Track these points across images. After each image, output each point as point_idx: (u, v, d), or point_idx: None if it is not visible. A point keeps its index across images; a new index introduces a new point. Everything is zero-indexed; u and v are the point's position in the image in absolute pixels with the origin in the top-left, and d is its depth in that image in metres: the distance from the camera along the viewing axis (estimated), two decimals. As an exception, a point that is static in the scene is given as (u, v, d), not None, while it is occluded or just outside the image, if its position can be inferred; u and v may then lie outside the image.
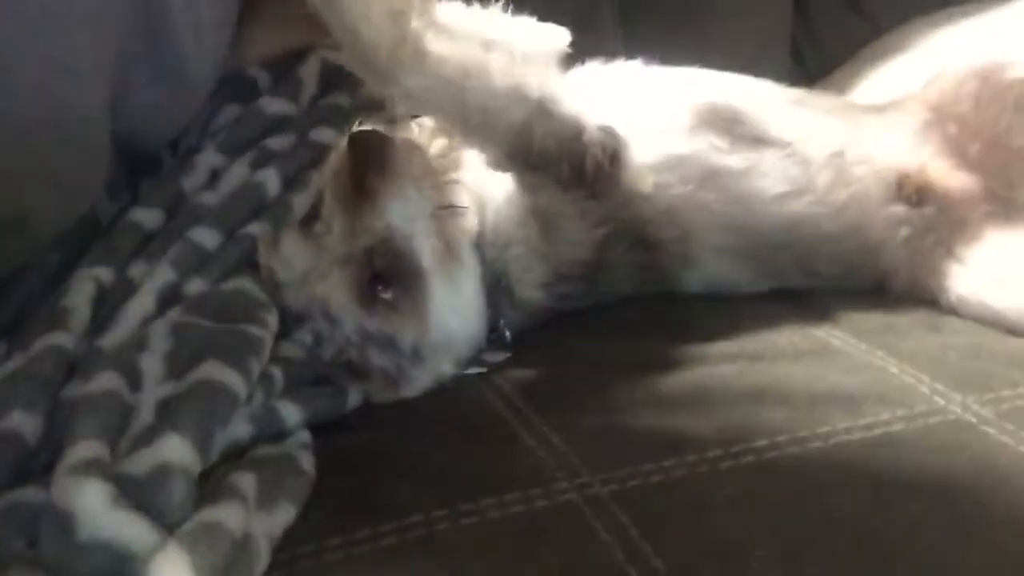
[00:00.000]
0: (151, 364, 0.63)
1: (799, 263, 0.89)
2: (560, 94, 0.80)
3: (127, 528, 0.50)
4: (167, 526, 0.52)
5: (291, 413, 0.68)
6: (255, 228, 0.78)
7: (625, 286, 0.86)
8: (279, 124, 0.88)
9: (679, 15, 1.28)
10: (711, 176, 0.86)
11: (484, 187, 0.82)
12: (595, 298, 0.86)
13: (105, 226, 0.82)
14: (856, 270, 0.89)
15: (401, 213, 0.73)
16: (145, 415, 0.59)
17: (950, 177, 0.89)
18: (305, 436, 0.67)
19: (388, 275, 0.72)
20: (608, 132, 0.81)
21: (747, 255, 0.88)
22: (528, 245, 0.81)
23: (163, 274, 0.72)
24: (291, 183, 0.83)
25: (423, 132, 0.82)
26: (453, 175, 0.79)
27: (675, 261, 0.87)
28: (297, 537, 0.58)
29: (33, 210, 0.70)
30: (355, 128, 0.74)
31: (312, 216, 0.76)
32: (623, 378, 0.73)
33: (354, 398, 0.73)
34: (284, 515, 0.58)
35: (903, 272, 0.88)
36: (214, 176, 0.83)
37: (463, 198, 0.78)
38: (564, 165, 0.80)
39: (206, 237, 0.76)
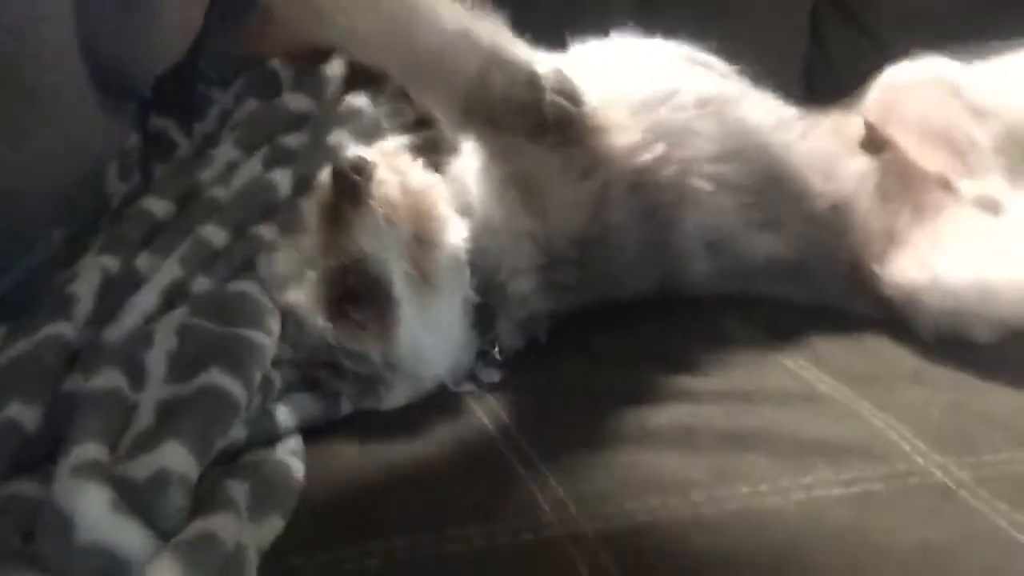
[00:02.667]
0: (155, 362, 0.64)
1: (795, 199, 0.89)
2: (511, 41, 0.80)
3: (125, 533, 0.52)
4: (163, 532, 0.53)
5: (285, 417, 0.69)
6: (263, 229, 0.79)
7: (624, 256, 0.85)
8: (298, 122, 0.89)
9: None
10: (706, 102, 0.87)
11: (468, 190, 0.83)
12: (594, 289, 0.85)
13: (115, 207, 0.83)
14: (843, 217, 0.90)
15: (372, 243, 0.74)
16: (146, 415, 0.60)
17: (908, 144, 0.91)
18: (297, 443, 0.69)
19: (359, 295, 0.74)
20: (559, 72, 0.81)
21: (744, 188, 0.87)
22: (514, 223, 0.81)
23: (170, 270, 0.73)
24: (303, 185, 0.83)
25: (404, 159, 0.82)
26: (433, 203, 0.79)
27: (672, 199, 0.85)
28: (284, 549, 0.59)
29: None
30: (342, 155, 0.75)
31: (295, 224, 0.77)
32: (611, 410, 0.74)
33: (347, 406, 0.74)
34: (273, 526, 0.60)
35: (876, 241, 0.89)
36: (229, 171, 0.83)
37: (448, 219, 0.79)
38: (523, 112, 0.79)
39: (214, 235, 0.77)
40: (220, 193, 0.81)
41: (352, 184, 0.74)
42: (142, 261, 0.74)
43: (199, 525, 0.54)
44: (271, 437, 0.68)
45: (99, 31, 0.70)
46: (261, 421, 0.67)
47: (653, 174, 0.84)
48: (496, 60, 0.78)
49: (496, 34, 0.79)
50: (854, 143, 0.93)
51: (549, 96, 0.79)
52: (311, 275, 0.73)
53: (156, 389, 0.62)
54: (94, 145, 0.77)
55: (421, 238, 0.77)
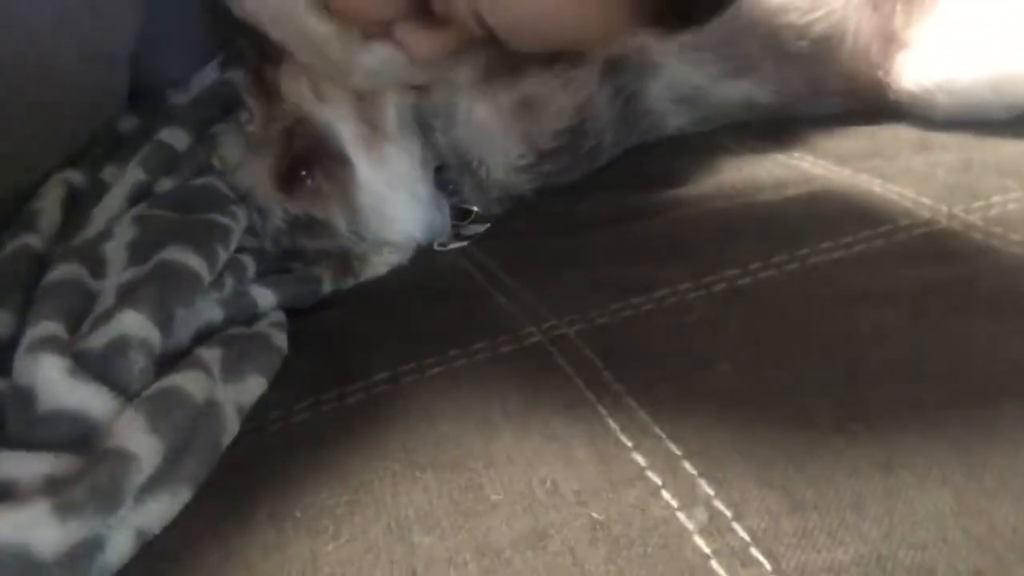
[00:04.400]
0: (114, 252, 0.64)
1: (766, 45, 0.84)
2: None
3: (86, 396, 0.51)
4: (128, 395, 0.53)
5: (264, 297, 0.68)
6: (222, 128, 0.78)
7: (603, 136, 0.83)
8: None
9: None
10: None
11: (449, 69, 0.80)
12: (580, 168, 0.83)
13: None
14: (830, 46, 0.84)
15: (313, 106, 0.72)
16: (107, 299, 0.60)
17: None
18: (279, 316, 0.68)
19: (309, 158, 0.72)
20: None
21: (709, 48, 0.83)
22: (501, 133, 0.79)
23: (133, 174, 0.73)
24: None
25: None
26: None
27: (641, 74, 0.83)
28: (268, 405, 0.58)
29: None
30: None
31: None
32: (595, 233, 0.71)
33: (327, 285, 0.73)
34: (255, 386, 0.59)
35: (874, 48, 0.84)
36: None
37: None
38: None
39: (176, 138, 0.76)
40: (180, 99, 0.80)
41: (271, 47, 0.72)
42: (107, 172, 0.74)
43: (163, 382, 0.53)
44: (249, 316, 0.67)
45: None
46: (237, 301, 0.67)
47: (617, 55, 0.81)
48: None
49: None
50: None
51: None
52: (255, 153, 0.72)
53: (116, 276, 0.62)
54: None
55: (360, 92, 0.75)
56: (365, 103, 0.74)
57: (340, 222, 0.73)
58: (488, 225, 0.78)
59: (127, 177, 0.72)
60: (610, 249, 0.68)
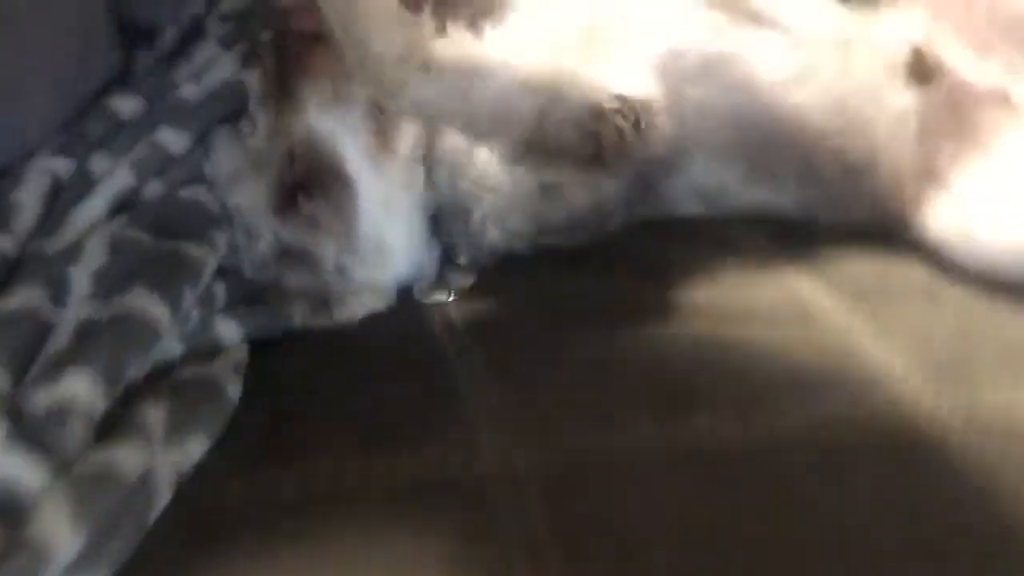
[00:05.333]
0: (79, 278, 0.62)
1: (798, 162, 0.81)
2: (572, 69, 0.72)
3: (18, 466, 0.51)
4: (63, 464, 0.52)
5: (229, 330, 0.68)
6: (221, 134, 0.75)
7: (612, 216, 0.81)
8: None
9: None
10: (711, 64, 0.79)
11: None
12: (580, 238, 0.80)
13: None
14: (859, 176, 0.80)
15: (322, 118, 0.69)
16: (63, 335, 0.58)
17: (962, 58, 0.80)
18: (240, 354, 0.67)
19: (310, 184, 0.69)
20: (626, 101, 0.72)
21: (741, 152, 0.80)
22: (510, 203, 0.76)
23: (121, 177, 0.70)
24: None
25: None
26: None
27: (665, 171, 0.80)
28: (204, 473, 0.57)
29: None
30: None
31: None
32: (576, 325, 0.69)
33: (298, 320, 0.71)
34: (196, 447, 0.58)
35: (908, 185, 0.79)
36: (205, 68, 0.79)
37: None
38: (582, 149, 0.72)
39: (172, 140, 0.73)
40: (189, 92, 0.77)
41: (302, 52, 0.68)
42: (97, 162, 0.72)
43: (98, 457, 0.52)
44: (211, 351, 0.66)
45: None
46: (200, 334, 0.66)
47: (649, 154, 0.76)
48: (556, 102, 0.70)
49: (555, 70, 0.71)
50: (898, 72, 0.80)
51: (611, 132, 0.71)
52: (252, 166, 0.70)
53: (77, 307, 0.61)
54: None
55: (378, 104, 0.72)
56: (383, 116, 0.71)
57: (330, 255, 0.70)
58: (473, 280, 0.76)
59: (115, 178, 0.70)
60: (586, 361, 0.66)
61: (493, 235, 0.78)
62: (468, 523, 0.54)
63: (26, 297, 0.60)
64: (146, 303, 0.60)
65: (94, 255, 0.64)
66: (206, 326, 0.66)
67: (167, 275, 0.63)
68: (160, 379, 0.62)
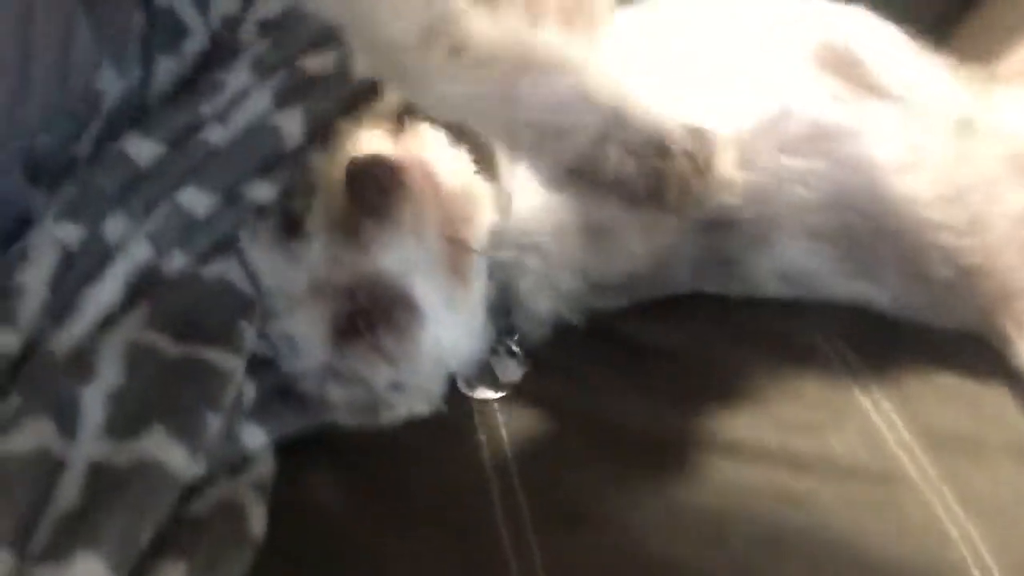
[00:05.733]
0: (92, 404, 0.56)
1: (904, 258, 0.72)
2: (634, 91, 0.62)
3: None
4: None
5: (255, 437, 0.62)
6: (259, 190, 0.66)
7: (675, 283, 0.73)
8: (329, 36, 0.70)
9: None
10: (823, 135, 0.70)
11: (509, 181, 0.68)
12: (638, 296, 0.73)
13: (106, 108, 0.70)
14: (970, 280, 0.72)
15: (396, 260, 0.61)
16: (71, 485, 0.53)
17: None
18: (266, 468, 0.62)
19: (373, 312, 0.62)
20: (698, 135, 0.63)
21: (840, 241, 0.71)
22: (558, 259, 0.68)
23: (138, 251, 0.62)
24: (318, 130, 0.68)
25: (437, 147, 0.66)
26: (473, 205, 0.65)
27: (747, 244, 0.71)
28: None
29: None
30: (357, 144, 0.61)
31: (294, 221, 0.63)
32: (632, 465, 0.63)
33: (335, 416, 0.65)
34: None
35: (1018, 300, 0.72)
36: (234, 103, 0.68)
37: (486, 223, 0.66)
38: (641, 183, 0.63)
39: (197, 201, 0.64)
40: (216, 136, 0.67)
41: (380, 194, 0.60)
42: (111, 227, 0.63)
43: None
44: (235, 465, 0.61)
45: None
46: (223, 447, 0.60)
47: (731, 217, 0.67)
48: (618, 126, 0.60)
49: (620, 90, 0.60)
50: (1020, 165, 0.70)
51: (677, 169, 0.62)
52: (306, 291, 0.62)
53: (89, 444, 0.55)
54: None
55: (453, 240, 0.64)
56: (453, 248, 0.64)
57: (384, 378, 0.64)
58: (524, 370, 0.70)
59: (131, 253, 0.62)
60: (640, 528, 0.60)
61: (544, 304, 0.70)
62: None
63: (34, 434, 0.54)
64: (166, 450, 0.54)
65: (109, 372, 0.57)
66: (230, 437, 0.60)
67: (189, 403, 0.56)
68: (178, 508, 0.56)
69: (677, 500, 0.61)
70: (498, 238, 0.67)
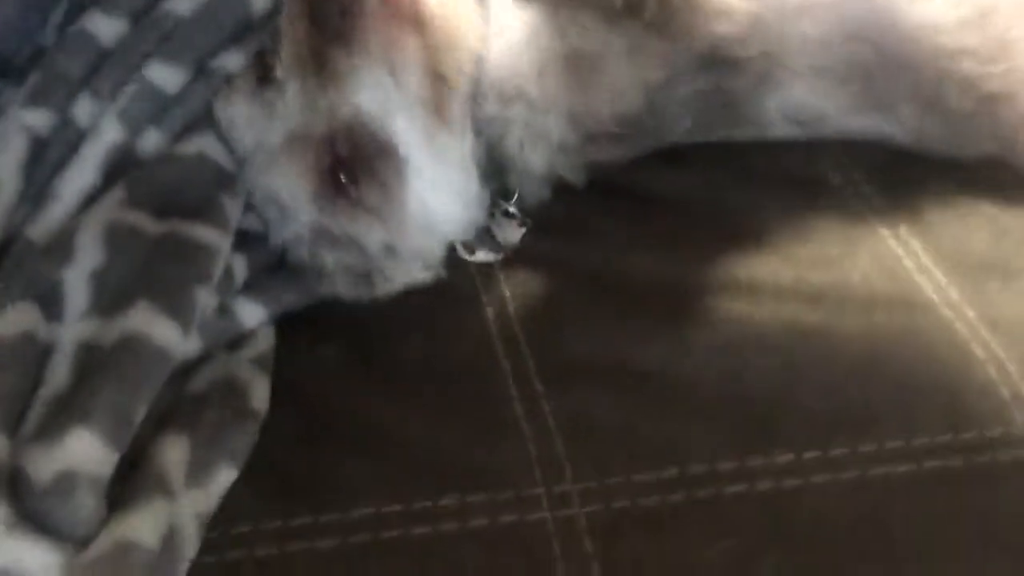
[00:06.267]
0: (75, 285, 0.54)
1: (919, 89, 0.68)
2: None
3: (25, 554, 0.45)
4: (72, 543, 0.46)
5: (252, 313, 0.61)
6: (230, 59, 0.63)
7: (676, 129, 0.69)
8: None
9: None
10: None
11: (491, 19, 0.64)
12: (636, 150, 0.69)
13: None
14: (993, 107, 0.68)
15: (371, 97, 0.58)
16: (61, 368, 0.51)
17: None
18: (266, 343, 0.60)
19: (356, 163, 0.59)
20: None
21: (850, 77, 0.67)
22: (542, 103, 0.64)
23: (109, 131, 0.60)
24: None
25: None
26: (457, 30, 0.60)
27: (751, 85, 0.67)
28: (232, 510, 0.52)
29: None
30: None
31: (265, 70, 0.60)
32: (641, 316, 0.61)
33: (333, 288, 0.63)
34: (223, 479, 0.52)
35: None
36: None
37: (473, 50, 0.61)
38: None
39: (166, 76, 0.61)
40: (181, 7, 0.63)
41: (335, 15, 0.56)
42: (80, 109, 0.60)
43: (114, 532, 0.47)
44: (235, 342, 0.59)
45: None
46: (219, 324, 0.59)
47: (734, 54, 0.63)
48: None
49: None
50: None
51: None
52: (284, 141, 0.59)
53: (75, 326, 0.53)
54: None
55: (436, 72, 0.60)
56: (435, 83, 0.60)
57: (376, 239, 0.61)
58: (523, 231, 0.67)
59: (103, 133, 0.60)
60: (653, 377, 0.58)
61: (536, 158, 0.67)
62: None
63: (19, 318, 0.52)
64: (153, 324, 0.52)
65: (89, 252, 0.55)
66: (225, 312, 0.59)
67: (174, 278, 0.54)
68: (177, 386, 0.55)
69: (688, 340, 0.59)
70: (478, 88, 0.63)
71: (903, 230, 0.65)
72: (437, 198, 0.62)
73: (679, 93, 0.66)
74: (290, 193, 0.60)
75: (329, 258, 0.61)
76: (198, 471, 0.51)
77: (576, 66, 0.64)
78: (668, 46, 0.65)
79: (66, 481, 0.47)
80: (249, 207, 0.62)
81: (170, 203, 0.58)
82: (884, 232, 0.65)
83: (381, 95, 0.58)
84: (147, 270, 0.54)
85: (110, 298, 0.53)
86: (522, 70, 0.64)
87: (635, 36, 0.64)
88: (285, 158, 0.59)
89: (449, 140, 0.62)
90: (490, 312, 0.63)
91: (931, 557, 0.49)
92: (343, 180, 0.59)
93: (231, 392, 0.56)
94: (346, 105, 0.58)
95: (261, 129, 0.60)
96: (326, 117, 0.58)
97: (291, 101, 0.58)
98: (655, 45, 0.64)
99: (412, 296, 0.64)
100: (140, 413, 0.50)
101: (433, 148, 0.61)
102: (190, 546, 0.49)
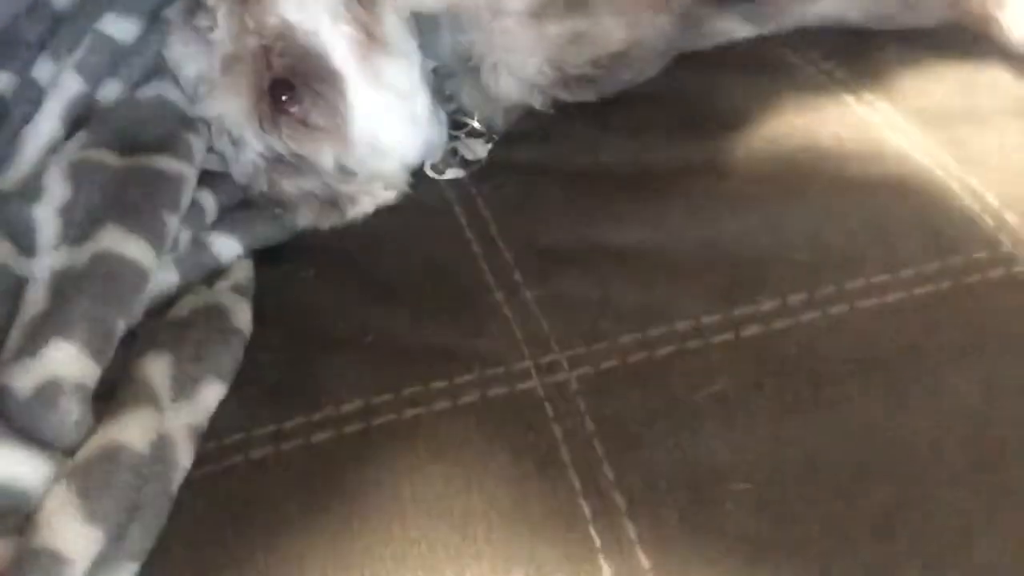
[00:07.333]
0: (45, 219, 0.55)
1: None
2: None
3: (14, 464, 0.45)
4: (62, 449, 0.46)
5: (226, 247, 0.61)
6: (176, 15, 0.64)
7: (651, 67, 0.70)
8: None
9: None
10: None
11: None
12: (610, 88, 0.69)
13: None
14: None
15: (296, 6, 0.58)
16: (38, 293, 0.51)
17: None
18: (244, 273, 0.60)
19: (293, 80, 0.59)
20: None
21: None
22: (527, 48, 0.65)
23: (69, 84, 0.61)
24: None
25: None
26: None
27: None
28: (225, 425, 0.52)
29: None
30: None
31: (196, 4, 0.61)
32: (615, 198, 0.61)
33: (305, 221, 0.63)
34: (211, 396, 0.52)
35: None
36: None
37: None
38: None
39: (120, 28, 0.63)
40: None
41: None
42: (40, 71, 0.62)
43: (100, 437, 0.46)
44: (210, 272, 0.59)
45: None
46: (195, 256, 0.59)
47: None
48: None
49: None
50: None
51: None
52: (221, 68, 0.60)
53: (47, 256, 0.53)
54: None
55: None
56: (360, 4, 0.60)
57: (328, 158, 0.61)
58: (490, 146, 0.67)
59: (62, 86, 0.61)
60: (633, 243, 0.58)
61: (506, 86, 0.67)
62: (525, 456, 0.48)
63: (-8, 250, 0.52)
64: (123, 242, 0.52)
65: (55, 189, 0.55)
66: (200, 245, 0.59)
67: (141, 202, 0.55)
68: (159, 316, 0.55)
69: (661, 216, 0.59)
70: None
71: (868, 95, 0.65)
72: (381, 116, 0.62)
73: (654, 37, 0.68)
74: (235, 117, 0.60)
75: (288, 185, 0.61)
76: (184, 384, 0.51)
77: (575, 38, 0.65)
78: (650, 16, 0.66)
79: (49, 390, 0.47)
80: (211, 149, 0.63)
81: (133, 141, 0.59)
82: (849, 99, 0.65)
83: (305, 6, 0.58)
84: (114, 199, 0.55)
85: (79, 228, 0.54)
86: (514, 27, 0.65)
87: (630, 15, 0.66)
88: (225, 81, 0.59)
89: (387, 61, 0.62)
90: (464, 218, 0.63)
91: (929, 367, 0.48)
92: (283, 98, 0.59)
93: (213, 315, 0.56)
94: (272, 16, 0.58)
95: (201, 59, 0.61)
96: (256, 33, 0.58)
97: (223, 24, 0.59)
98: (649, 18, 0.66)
99: (384, 216, 0.64)
100: (119, 326, 0.50)
101: (370, 67, 0.61)
102: (183, 455, 0.49)
